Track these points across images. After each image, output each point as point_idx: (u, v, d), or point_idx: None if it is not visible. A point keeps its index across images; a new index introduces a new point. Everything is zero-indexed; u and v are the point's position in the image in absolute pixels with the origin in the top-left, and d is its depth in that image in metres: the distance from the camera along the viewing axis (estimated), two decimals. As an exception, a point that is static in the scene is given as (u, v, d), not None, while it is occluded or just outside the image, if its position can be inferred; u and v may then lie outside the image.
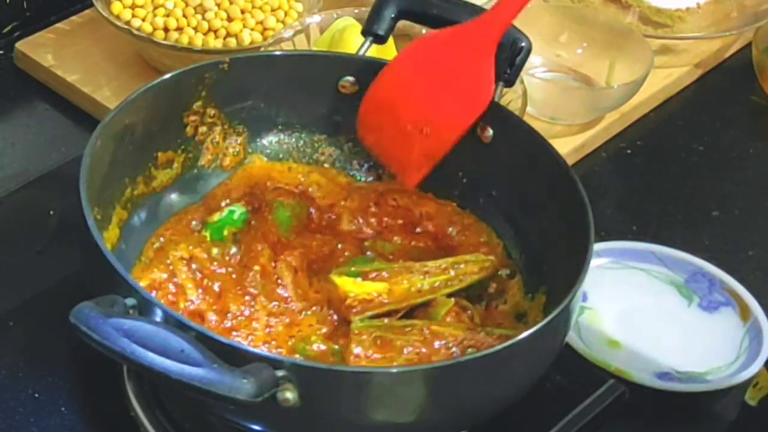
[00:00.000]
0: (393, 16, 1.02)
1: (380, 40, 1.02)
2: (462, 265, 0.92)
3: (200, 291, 0.90)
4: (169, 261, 0.90)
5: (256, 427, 0.81)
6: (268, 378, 0.73)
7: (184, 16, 1.20)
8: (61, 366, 0.94)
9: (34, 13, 1.28)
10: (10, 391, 0.92)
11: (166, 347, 0.71)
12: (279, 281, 0.91)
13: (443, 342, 0.85)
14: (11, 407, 0.91)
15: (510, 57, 0.98)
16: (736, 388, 0.97)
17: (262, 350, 0.84)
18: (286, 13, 1.23)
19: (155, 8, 1.21)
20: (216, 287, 0.90)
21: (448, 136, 0.95)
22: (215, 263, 0.92)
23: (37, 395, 0.92)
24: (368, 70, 0.99)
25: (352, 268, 0.91)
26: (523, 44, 0.99)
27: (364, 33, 1.02)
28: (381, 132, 0.97)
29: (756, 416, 0.98)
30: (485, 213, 0.99)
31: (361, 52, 1.02)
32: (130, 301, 0.76)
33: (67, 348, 0.94)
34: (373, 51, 1.04)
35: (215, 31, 1.20)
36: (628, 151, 1.24)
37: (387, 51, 1.09)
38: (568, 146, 1.18)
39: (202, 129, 0.98)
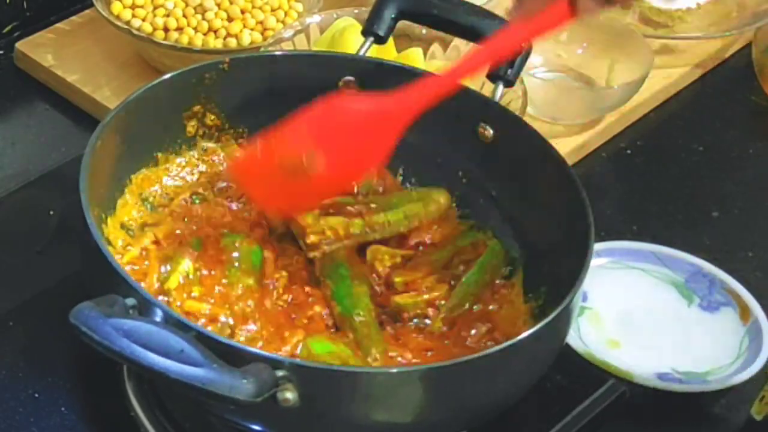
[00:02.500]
0: (393, 16, 1.02)
1: (380, 40, 1.02)
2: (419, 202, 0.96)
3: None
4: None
5: (256, 427, 0.81)
6: (268, 378, 0.73)
7: (184, 16, 1.20)
8: (61, 366, 0.94)
9: (34, 13, 1.28)
10: (10, 391, 0.92)
11: (166, 347, 0.71)
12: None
13: None
14: (11, 407, 0.91)
15: (510, 57, 0.98)
16: (736, 388, 0.97)
17: (262, 350, 0.84)
18: (286, 13, 1.23)
19: (155, 8, 1.21)
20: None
21: (330, 189, 0.93)
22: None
23: (37, 395, 0.92)
24: (368, 70, 0.99)
25: None
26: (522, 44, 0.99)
27: (364, 33, 1.02)
28: (262, 175, 0.92)
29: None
30: (485, 213, 0.99)
31: (361, 52, 1.02)
32: (130, 301, 0.76)
33: (67, 348, 0.94)
34: (373, 51, 1.04)
35: (215, 31, 1.20)
36: (628, 151, 1.24)
37: (386, 51, 1.09)
38: (568, 146, 1.18)
39: (203, 129, 0.99)
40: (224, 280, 0.89)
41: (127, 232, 0.92)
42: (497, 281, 0.95)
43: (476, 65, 0.90)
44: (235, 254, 0.91)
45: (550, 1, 0.85)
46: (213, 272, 0.90)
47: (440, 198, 0.98)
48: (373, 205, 0.96)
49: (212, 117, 0.99)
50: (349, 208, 0.96)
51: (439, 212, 0.98)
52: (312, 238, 0.94)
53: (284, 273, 0.92)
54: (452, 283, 0.94)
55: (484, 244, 0.97)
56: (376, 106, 0.89)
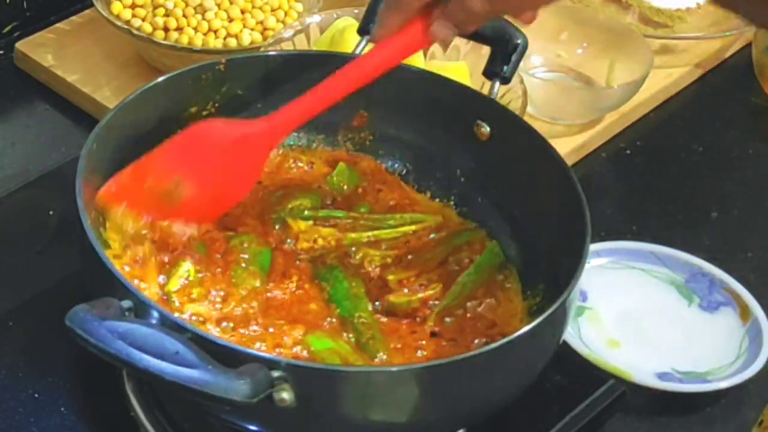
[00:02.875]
0: (389, 15, 1.01)
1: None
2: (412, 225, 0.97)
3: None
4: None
5: (254, 428, 0.81)
6: (264, 378, 0.72)
7: (184, 16, 1.20)
8: (61, 366, 0.94)
9: (34, 13, 1.28)
10: (10, 391, 0.92)
11: (162, 349, 0.71)
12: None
13: None
14: (11, 407, 0.91)
15: (506, 54, 0.98)
16: (736, 388, 0.97)
17: (258, 351, 0.84)
18: (286, 13, 1.23)
19: (155, 8, 1.21)
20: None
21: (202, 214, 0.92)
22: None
23: (37, 395, 0.92)
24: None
25: (305, 212, 0.96)
26: (518, 41, 0.99)
27: (360, 32, 1.02)
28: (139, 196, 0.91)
29: (756, 418, 0.98)
30: (483, 212, 0.99)
31: (357, 51, 1.02)
32: (126, 303, 0.76)
33: (67, 348, 0.94)
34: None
35: (215, 31, 1.20)
36: (628, 151, 1.24)
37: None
38: (568, 146, 1.18)
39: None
40: (233, 280, 0.90)
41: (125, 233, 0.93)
42: (495, 279, 0.95)
43: (342, 90, 0.91)
44: (245, 255, 0.91)
45: (405, 19, 0.88)
46: (216, 273, 0.90)
47: (435, 222, 0.99)
48: (362, 222, 0.97)
49: (210, 117, 0.99)
50: (343, 221, 0.97)
51: (433, 231, 0.98)
52: (304, 245, 0.94)
53: (294, 278, 0.92)
54: (447, 281, 0.93)
55: (481, 243, 0.97)
56: (242, 131, 0.91)
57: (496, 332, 0.90)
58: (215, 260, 0.91)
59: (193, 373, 0.71)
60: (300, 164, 1.02)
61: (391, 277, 0.93)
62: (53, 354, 0.95)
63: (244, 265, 0.91)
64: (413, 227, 0.98)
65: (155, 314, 0.76)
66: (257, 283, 0.90)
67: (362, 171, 1.02)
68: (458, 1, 0.86)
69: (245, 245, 0.92)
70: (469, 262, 0.95)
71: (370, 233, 0.96)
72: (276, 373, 0.73)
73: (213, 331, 0.85)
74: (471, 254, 0.96)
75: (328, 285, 0.92)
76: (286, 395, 0.73)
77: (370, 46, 1.03)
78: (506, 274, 0.95)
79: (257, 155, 0.92)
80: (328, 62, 1.01)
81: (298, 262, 0.93)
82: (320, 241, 0.95)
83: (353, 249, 0.95)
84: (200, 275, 0.89)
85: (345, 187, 1.01)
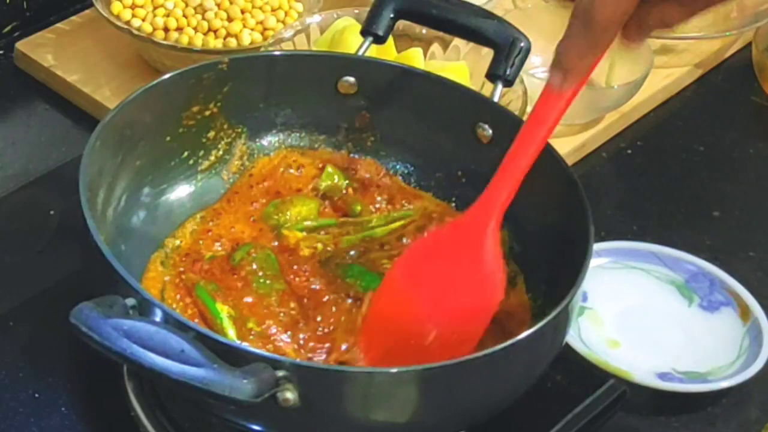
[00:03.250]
0: (392, 16, 1.02)
1: (379, 40, 1.02)
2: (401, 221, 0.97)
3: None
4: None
5: (257, 428, 0.81)
6: (268, 378, 0.72)
7: (184, 16, 1.20)
8: (61, 366, 0.94)
9: (34, 13, 1.28)
10: (10, 391, 0.92)
11: (166, 347, 0.71)
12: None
13: None
14: (11, 407, 0.91)
15: (508, 57, 0.98)
16: (736, 388, 0.97)
17: (262, 350, 0.84)
18: (286, 13, 1.23)
19: (155, 8, 1.21)
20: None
21: (471, 337, 0.84)
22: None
23: (37, 395, 0.92)
24: (368, 70, 1.00)
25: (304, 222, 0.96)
26: (522, 44, 0.99)
27: (363, 33, 1.02)
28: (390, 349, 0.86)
29: (756, 417, 0.98)
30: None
31: (360, 52, 1.02)
32: (130, 302, 0.76)
33: (67, 348, 0.94)
34: (373, 51, 1.04)
35: (215, 31, 1.20)
36: (628, 151, 1.24)
37: (386, 51, 1.09)
38: (568, 146, 1.18)
39: (202, 130, 0.98)
40: (259, 291, 0.90)
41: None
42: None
43: (534, 155, 0.83)
44: (254, 265, 0.92)
45: (601, 54, 0.77)
46: (244, 300, 0.90)
47: (420, 213, 0.99)
48: (352, 226, 0.98)
49: (212, 117, 0.99)
50: (335, 229, 0.97)
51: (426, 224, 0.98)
52: (306, 252, 0.95)
53: (305, 267, 0.93)
54: None
55: None
56: (455, 228, 0.85)
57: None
58: (233, 284, 0.91)
59: (198, 372, 0.71)
60: (296, 166, 1.02)
61: None
62: (53, 354, 0.95)
63: (260, 273, 0.91)
64: (402, 222, 0.97)
65: (159, 312, 0.76)
66: (281, 285, 0.91)
67: (362, 172, 1.02)
68: (656, 12, 0.76)
69: (252, 254, 0.92)
70: None
71: (363, 234, 0.96)
72: (280, 373, 0.73)
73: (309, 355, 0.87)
74: None
75: (355, 280, 0.91)
76: (290, 395, 0.73)
77: (374, 47, 1.03)
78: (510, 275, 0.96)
79: (480, 250, 0.84)
80: (329, 62, 1.01)
81: (305, 267, 0.94)
82: (320, 246, 0.95)
83: (352, 252, 0.95)
84: (236, 310, 0.89)
85: (334, 188, 1.00)
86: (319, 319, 0.89)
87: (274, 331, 0.88)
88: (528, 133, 0.83)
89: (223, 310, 0.88)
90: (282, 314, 0.89)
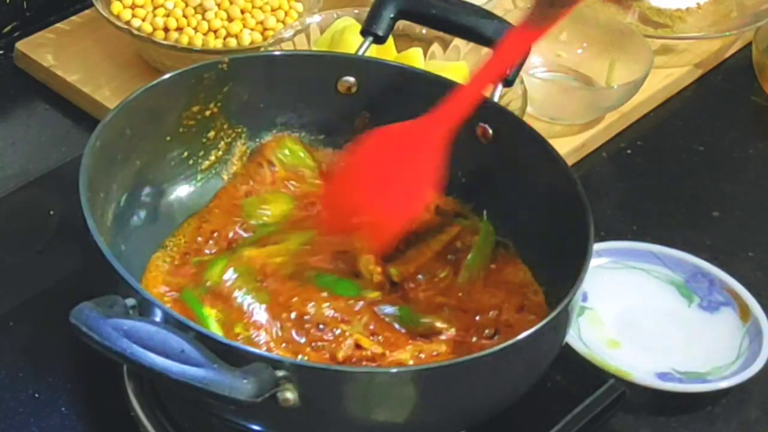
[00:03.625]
0: (392, 16, 1.02)
1: (379, 40, 1.02)
2: None
3: None
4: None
5: (257, 428, 0.81)
6: (268, 378, 0.72)
7: (184, 16, 1.20)
8: (61, 366, 0.94)
9: (34, 13, 1.28)
10: (10, 391, 0.92)
11: (166, 347, 0.71)
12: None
13: None
14: (11, 407, 0.91)
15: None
16: (736, 388, 0.97)
17: (262, 350, 0.84)
18: (286, 13, 1.23)
19: (155, 8, 1.21)
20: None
21: (387, 231, 0.92)
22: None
23: (37, 395, 0.92)
24: (368, 70, 1.00)
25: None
26: (522, 44, 0.99)
27: (363, 33, 1.02)
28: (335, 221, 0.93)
29: (756, 417, 0.98)
30: (484, 212, 0.99)
31: (360, 52, 1.02)
32: (130, 302, 0.76)
33: (67, 348, 0.94)
34: (373, 51, 1.04)
35: (215, 31, 1.20)
36: (628, 151, 1.24)
37: (386, 51, 1.09)
38: (568, 146, 1.18)
39: (202, 130, 0.98)
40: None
41: None
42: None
43: (496, 70, 0.90)
44: (234, 275, 0.91)
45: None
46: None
47: None
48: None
49: (212, 117, 0.99)
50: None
51: None
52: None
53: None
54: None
55: (473, 229, 0.97)
56: (408, 130, 0.90)
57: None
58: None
59: (199, 372, 0.71)
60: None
61: (393, 271, 0.93)
62: (53, 354, 0.95)
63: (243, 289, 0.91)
64: None
65: (159, 312, 0.76)
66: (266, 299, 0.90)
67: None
68: None
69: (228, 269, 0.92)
70: (464, 246, 0.95)
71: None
72: (280, 373, 0.73)
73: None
74: (465, 244, 0.96)
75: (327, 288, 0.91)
76: (290, 395, 0.73)
77: (374, 47, 1.03)
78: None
79: (430, 152, 0.90)
80: (329, 62, 1.01)
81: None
82: (279, 259, 0.94)
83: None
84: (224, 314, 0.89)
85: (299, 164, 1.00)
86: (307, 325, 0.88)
87: (262, 337, 0.87)
88: (494, 63, 0.90)
89: (211, 314, 0.87)
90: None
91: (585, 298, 1.03)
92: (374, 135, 0.92)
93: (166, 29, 1.19)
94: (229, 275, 0.90)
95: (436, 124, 0.90)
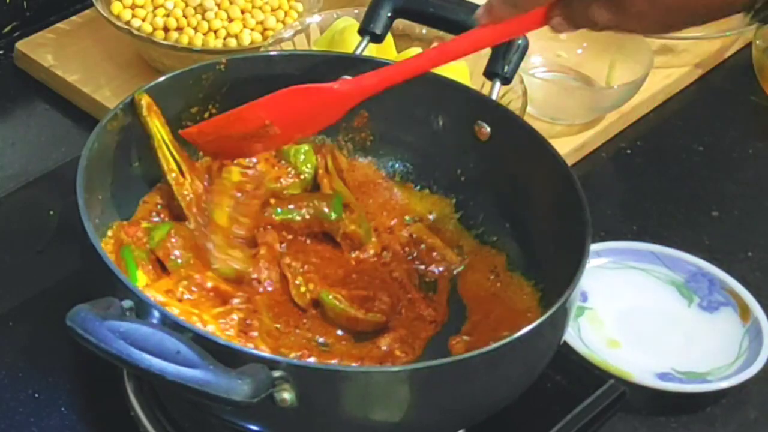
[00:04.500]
0: (389, 15, 1.02)
1: (377, 39, 1.02)
2: None
3: None
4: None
5: (254, 428, 0.81)
6: (265, 378, 0.72)
7: (184, 16, 1.20)
8: (61, 366, 0.94)
9: (34, 13, 1.29)
10: (10, 391, 0.92)
11: (163, 349, 0.71)
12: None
13: None
14: (11, 407, 0.91)
15: (506, 54, 0.98)
16: (736, 388, 0.97)
17: (259, 351, 0.84)
18: (286, 13, 1.23)
19: (155, 8, 1.21)
20: None
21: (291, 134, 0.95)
22: None
23: (37, 395, 0.92)
24: (367, 69, 0.99)
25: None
26: (519, 42, 0.99)
27: (361, 32, 1.02)
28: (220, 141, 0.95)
29: (756, 418, 0.98)
30: (483, 212, 0.99)
31: (358, 52, 1.02)
32: (127, 303, 0.76)
33: (67, 348, 0.94)
34: (373, 51, 1.04)
35: (215, 31, 1.20)
36: (628, 151, 1.24)
37: (386, 51, 1.09)
38: (568, 146, 1.18)
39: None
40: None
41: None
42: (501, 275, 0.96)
43: (437, 60, 0.90)
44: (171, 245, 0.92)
45: (518, 14, 0.84)
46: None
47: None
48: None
49: (210, 117, 0.99)
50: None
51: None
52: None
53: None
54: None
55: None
56: (327, 87, 0.92)
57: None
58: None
59: (195, 373, 0.71)
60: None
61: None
62: (53, 354, 0.95)
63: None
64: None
65: (156, 314, 0.76)
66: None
67: (360, 176, 1.02)
68: (582, 7, 0.81)
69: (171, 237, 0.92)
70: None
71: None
72: (277, 373, 0.73)
73: None
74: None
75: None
76: (287, 395, 0.73)
77: (374, 47, 1.03)
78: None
79: (336, 108, 0.93)
80: (328, 62, 1.01)
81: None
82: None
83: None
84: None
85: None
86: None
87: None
88: (433, 53, 0.91)
89: (143, 280, 0.88)
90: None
91: (585, 298, 1.03)
92: (294, 87, 0.94)
93: (166, 29, 1.19)
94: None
95: (349, 95, 0.91)
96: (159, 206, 0.95)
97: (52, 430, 0.90)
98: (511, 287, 0.95)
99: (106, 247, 0.90)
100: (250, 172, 0.98)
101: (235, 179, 0.97)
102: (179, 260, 0.90)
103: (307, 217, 0.97)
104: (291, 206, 0.97)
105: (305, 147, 1.00)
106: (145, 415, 0.89)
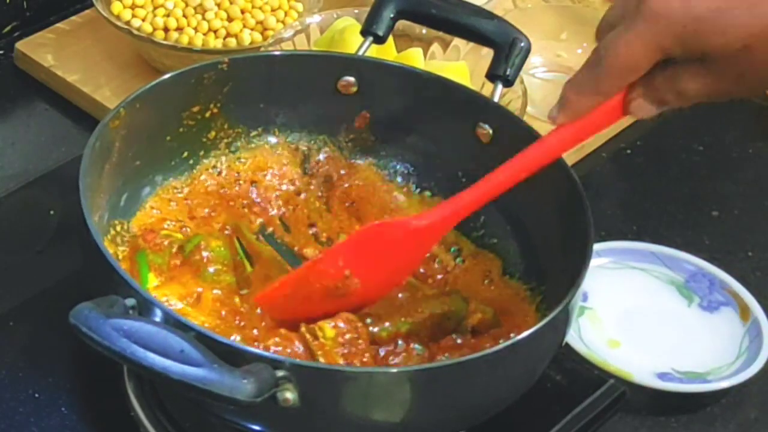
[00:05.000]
0: (392, 16, 1.02)
1: (379, 40, 1.02)
2: None
3: None
4: None
5: (257, 428, 0.81)
6: (268, 378, 0.72)
7: (184, 16, 1.21)
8: (61, 366, 0.94)
9: (34, 13, 1.28)
10: (10, 391, 0.92)
11: (166, 347, 0.71)
12: None
13: None
14: (11, 407, 0.91)
15: (508, 56, 0.98)
16: (736, 388, 0.97)
17: (263, 350, 0.84)
18: (286, 13, 1.23)
19: (155, 8, 1.21)
20: None
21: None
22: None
23: (37, 395, 0.92)
24: (368, 70, 1.00)
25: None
26: (522, 44, 0.99)
27: (363, 33, 1.02)
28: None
29: (756, 417, 0.98)
30: (484, 212, 0.99)
31: (360, 52, 1.02)
32: (130, 302, 0.76)
33: (67, 348, 0.94)
34: (373, 51, 1.04)
35: (215, 31, 1.20)
36: (628, 151, 1.24)
37: (387, 51, 1.09)
38: (568, 146, 1.18)
39: (202, 130, 0.99)
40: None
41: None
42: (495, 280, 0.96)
43: (512, 180, 0.84)
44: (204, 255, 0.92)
45: (601, 103, 0.78)
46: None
47: None
48: None
49: (212, 117, 0.99)
50: None
51: None
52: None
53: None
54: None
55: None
56: (412, 226, 0.86)
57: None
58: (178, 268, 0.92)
59: (198, 372, 0.71)
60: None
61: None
62: (53, 354, 0.95)
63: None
64: None
65: (159, 312, 0.76)
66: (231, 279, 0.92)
67: (360, 178, 1.02)
68: (668, 79, 0.75)
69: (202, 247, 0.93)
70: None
71: None
72: (280, 373, 0.73)
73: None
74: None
75: None
76: (289, 395, 0.73)
77: (374, 47, 1.03)
78: (509, 276, 0.96)
79: (419, 251, 0.89)
80: (328, 62, 1.01)
81: None
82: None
83: None
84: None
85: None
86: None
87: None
88: (518, 160, 0.85)
89: (154, 283, 0.89)
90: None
91: (585, 298, 1.03)
92: (376, 226, 0.89)
93: (166, 29, 1.19)
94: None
95: (431, 230, 0.86)
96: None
97: (52, 430, 0.90)
98: (506, 291, 0.95)
99: (121, 252, 0.91)
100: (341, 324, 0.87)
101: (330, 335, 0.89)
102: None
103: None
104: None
105: None
106: (145, 415, 0.89)
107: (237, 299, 0.90)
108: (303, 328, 0.85)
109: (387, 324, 0.88)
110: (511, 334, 0.89)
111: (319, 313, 0.85)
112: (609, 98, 0.78)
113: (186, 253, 0.92)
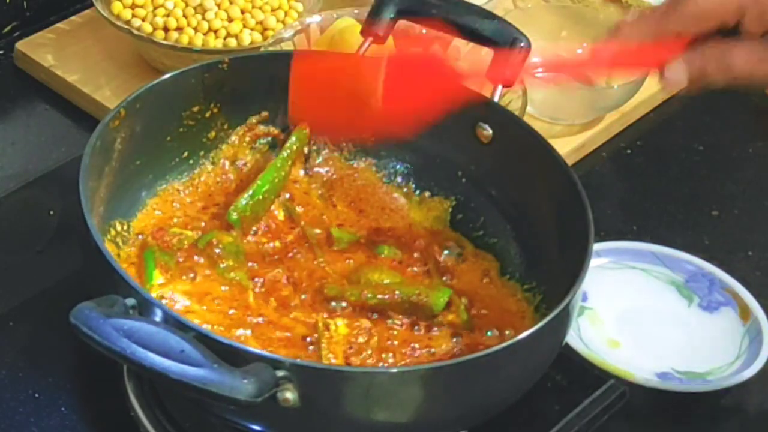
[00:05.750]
0: (392, 16, 1.02)
1: (379, 40, 1.02)
2: None
3: None
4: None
5: (257, 428, 0.81)
6: (269, 378, 0.72)
7: (184, 16, 1.20)
8: (61, 366, 0.94)
9: (34, 13, 1.28)
10: (10, 391, 0.92)
11: (166, 347, 0.71)
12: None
13: None
14: (11, 407, 0.91)
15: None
16: (736, 388, 0.97)
17: (263, 350, 0.84)
18: (286, 13, 1.23)
19: (155, 8, 1.21)
20: None
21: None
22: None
23: (37, 395, 0.92)
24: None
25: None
26: (522, 44, 0.99)
27: (363, 33, 1.02)
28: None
29: (756, 417, 0.98)
30: (484, 213, 0.99)
31: (360, 53, 1.02)
32: (130, 301, 0.76)
33: (67, 348, 0.94)
34: (372, 49, 1.04)
35: (215, 31, 1.20)
36: (628, 151, 1.24)
37: (385, 50, 1.09)
38: (568, 146, 1.18)
39: (202, 130, 0.99)
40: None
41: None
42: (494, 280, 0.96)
43: (576, 66, 0.88)
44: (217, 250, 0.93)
45: (654, 36, 0.78)
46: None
47: None
48: None
49: (212, 117, 0.99)
50: None
51: None
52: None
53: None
54: None
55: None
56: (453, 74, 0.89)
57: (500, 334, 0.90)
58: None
59: (199, 372, 0.71)
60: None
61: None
62: (53, 354, 0.95)
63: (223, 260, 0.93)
64: None
65: (159, 312, 0.76)
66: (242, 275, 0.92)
67: (360, 179, 1.02)
68: (720, 50, 0.75)
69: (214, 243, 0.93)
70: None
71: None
72: (280, 373, 0.73)
73: None
74: None
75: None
76: (289, 395, 0.73)
77: (374, 47, 1.03)
78: (509, 276, 0.96)
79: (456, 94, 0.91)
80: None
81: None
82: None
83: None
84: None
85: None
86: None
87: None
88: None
89: (159, 280, 0.89)
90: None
91: (585, 298, 1.03)
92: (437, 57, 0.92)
93: (166, 29, 1.19)
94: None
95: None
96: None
97: (52, 430, 0.90)
98: (504, 290, 0.95)
99: (127, 252, 0.91)
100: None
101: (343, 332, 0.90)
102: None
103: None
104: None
105: None
106: (145, 415, 0.89)
107: (251, 296, 0.91)
108: (320, 321, 0.87)
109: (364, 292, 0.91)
110: (507, 332, 0.90)
111: (337, 122, 0.89)
112: (663, 36, 0.77)
113: (200, 249, 0.92)
